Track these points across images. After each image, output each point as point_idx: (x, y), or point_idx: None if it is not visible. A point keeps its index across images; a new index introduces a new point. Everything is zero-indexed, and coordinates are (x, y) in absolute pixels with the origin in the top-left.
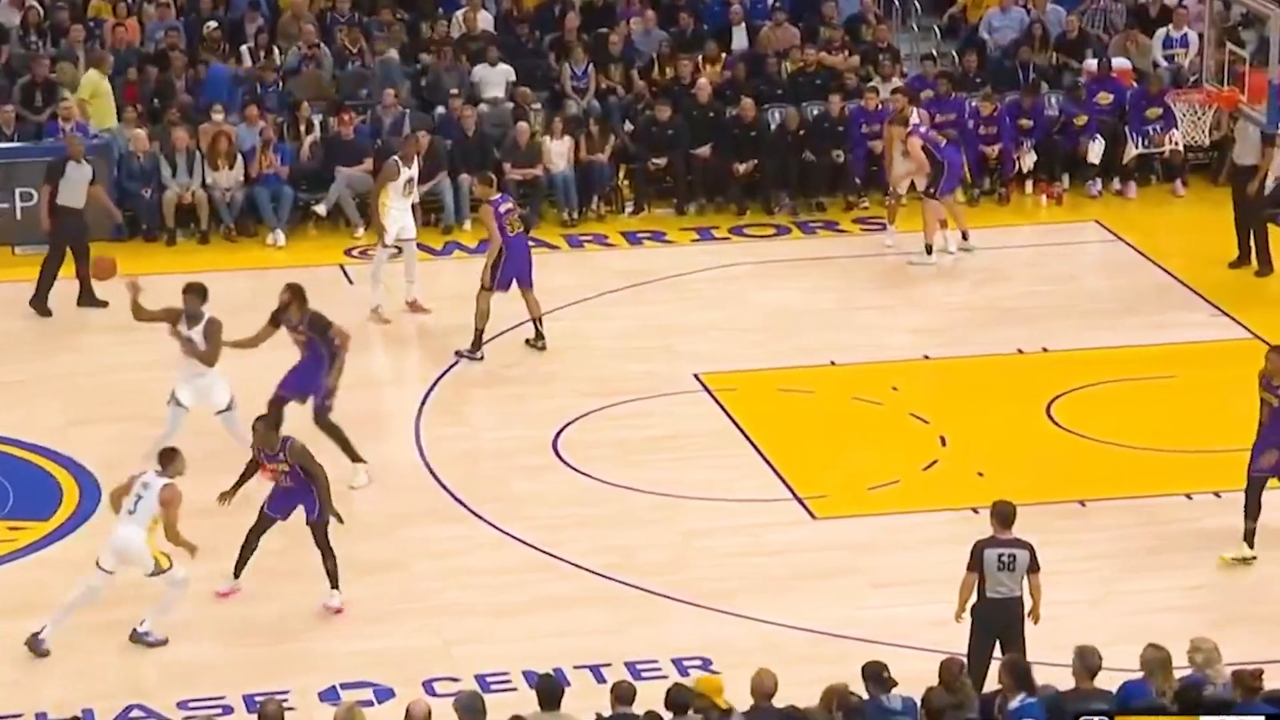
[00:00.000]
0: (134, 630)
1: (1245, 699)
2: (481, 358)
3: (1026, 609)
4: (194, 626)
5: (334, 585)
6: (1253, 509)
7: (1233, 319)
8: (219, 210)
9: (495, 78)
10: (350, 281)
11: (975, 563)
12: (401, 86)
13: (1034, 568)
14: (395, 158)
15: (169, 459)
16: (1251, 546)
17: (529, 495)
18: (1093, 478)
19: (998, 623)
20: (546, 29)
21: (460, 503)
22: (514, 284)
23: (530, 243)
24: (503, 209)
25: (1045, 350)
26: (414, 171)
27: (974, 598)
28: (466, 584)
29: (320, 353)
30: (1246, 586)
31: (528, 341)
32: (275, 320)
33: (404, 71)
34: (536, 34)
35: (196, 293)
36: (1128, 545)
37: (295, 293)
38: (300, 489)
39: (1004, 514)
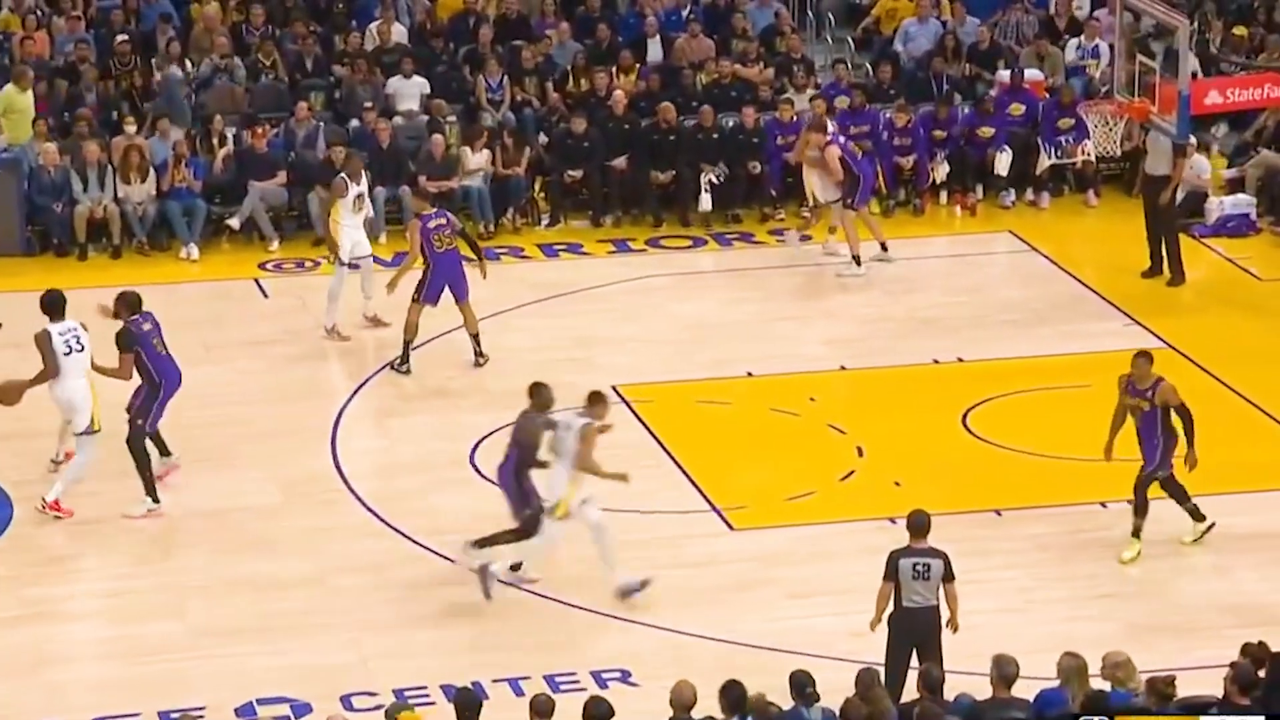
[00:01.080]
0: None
1: (1159, 706)
2: (409, 371)
3: (945, 618)
4: (106, 642)
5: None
6: (1142, 507)
7: (1146, 328)
8: (131, 224)
9: (410, 90)
10: (265, 295)
11: (890, 572)
12: (315, 99)
13: (949, 577)
14: (342, 175)
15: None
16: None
17: (447, 509)
18: (1009, 487)
19: (914, 632)
20: (461, 41)
21: (378, 516)
22: (444, 298)
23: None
24: (431, 225)
25: (961, 360)
26: (362, 187)
27: (890, 607)
28: (384, 598)
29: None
30: (1160, 594)
31: (476, 360)
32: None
33: (317, 84)
34: (451, 46)
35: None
36: (1044, 554)
37: (123, 301)
38: None
39: (918, 523)
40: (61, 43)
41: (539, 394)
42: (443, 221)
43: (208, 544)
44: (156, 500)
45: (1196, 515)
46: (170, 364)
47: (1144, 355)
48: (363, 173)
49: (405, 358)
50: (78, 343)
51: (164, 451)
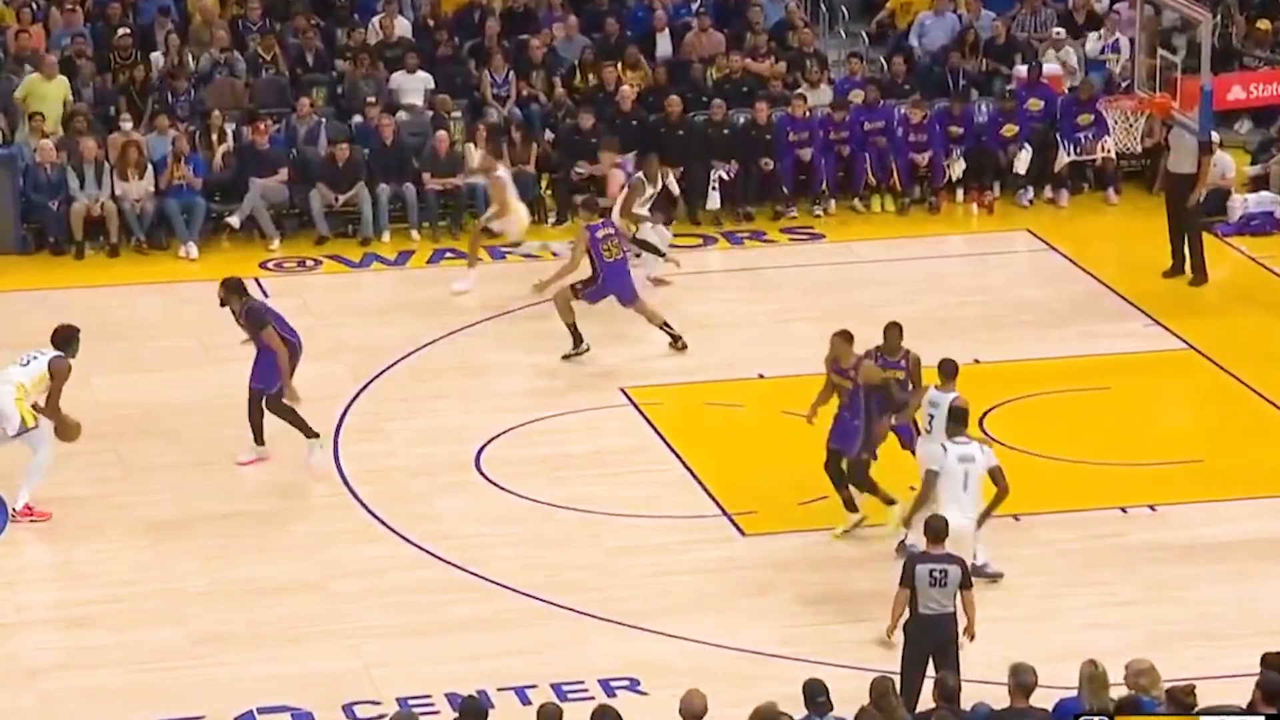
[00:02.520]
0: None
1: (1179, 715)
2: (586, 349)
3: (962, 626)
4: (103, 650)
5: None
6: (868, 485)
7: (1167, 329)
8: (129, 222)
9: (414, 85)
10: (266, 295)
11: (907, 578)
12: (317, 94)
13: (966, 584)
14: (639, 175)
15: (65, 339)
16: (856, 511)
17: (451, 513)
18: (1027, 492)
19: (930, 640)
20: (466, 35)
21: (380, 521)
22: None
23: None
24: (599, 234)
25: (977, 362)
26: (657, 188)
27: (906, 614)
28: (387, 604)
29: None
30: (1182, 601)
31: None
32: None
33: (319, 79)
34: (455, 40)
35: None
36: (1063, 560)
37: (229, 287)
38: None
39: (936, 529)
40: (58, 36)
41: (889, 336)
42: (610, 231)
43: (207, 549)
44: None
45: (850, 506)
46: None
47: (842, 335)
48: (660, 177)
49: (577, 339)
50: (27, 359)
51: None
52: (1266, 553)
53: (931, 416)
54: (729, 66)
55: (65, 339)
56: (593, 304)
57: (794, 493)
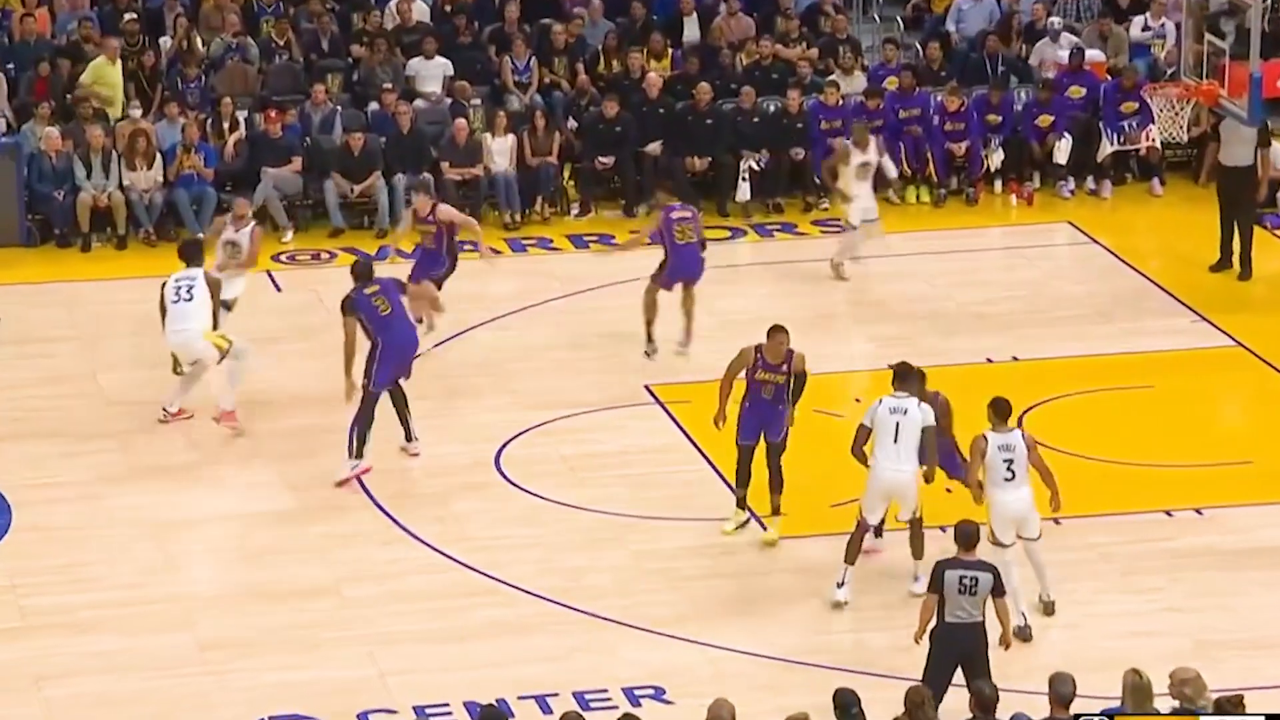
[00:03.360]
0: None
1: None
2: (654, 351)
3: (996, 635)
4: (111, 655)
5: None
6: (744, 477)
7: (1214, 325)
8: (137, 214)
9: (432, 72)
10: (278, 289)
11: (936, 584)
12: (332, 81)
13: (999, 591)
14: (846, 140)
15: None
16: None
17: (470, 515)
18: (1068, 493)
19: (956, 649)
20: (486, 20)
21: (396, 523)
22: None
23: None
24: (674, 215)
25: (1016, 359)
26: (868, 156)
27: (934, 621)
28: (403, 609)
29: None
30: (1230, 608)
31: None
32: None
33: (334, 65)
34: (475, 25)
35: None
36: (1106, 565)
37: (353, 272)
38: None
39: (967, 534)
40: (64, 21)
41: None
42: (687, 215)
43: (217, 552)
44: (360, 456)
45: (741, 504)
46: (392, 324)
47: (778, 329)
48: (870, 142)
49: (649, 337)
50: (188, 292)
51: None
52: None
53: (1009, 461)
54: (759, 52)
55: (191, 252)
56: (668, 290)
57: (826, 494)
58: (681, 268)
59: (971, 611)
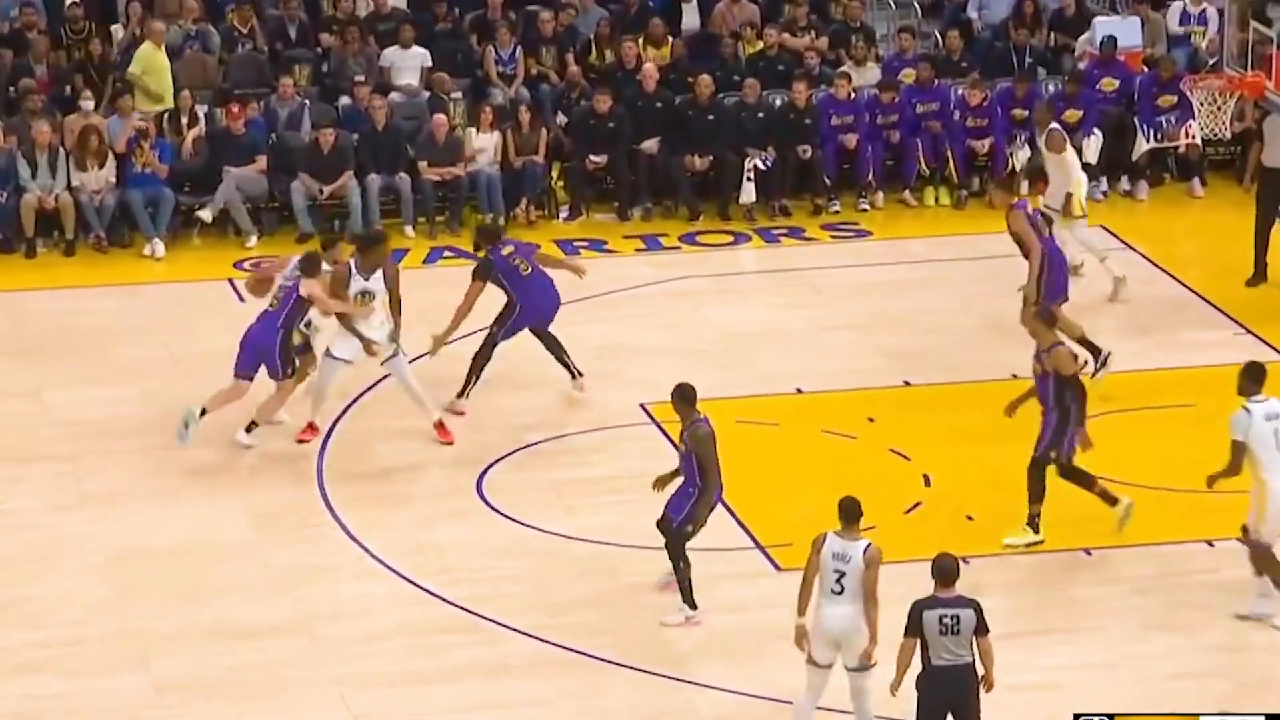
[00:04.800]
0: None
1: None
2: (1109, 353)
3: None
4: (58, 699)
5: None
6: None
7: (1259, 338)
8: (87, 216)
9: (408, 62)
10: (241, 299)
11: (914, 627)
12: (300, 73)
13: (982, 630)
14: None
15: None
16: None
17: (449, 545)
18: (1100, 522)
19: (945, 694)
20: (467, 6)
21: (370, 554)
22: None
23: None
24: (1029, 209)
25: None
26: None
27: (919, 666)
28: (377, 648)
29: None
30: (1275, 649)
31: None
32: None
33: (302, 56)
34: (456, 12)
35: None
36: (1142, 600)
37: (481, 234)
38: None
39: (945, 569)
40: (5, 7)
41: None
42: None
43: (175, 585)
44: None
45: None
46: (531, 285)
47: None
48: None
49: (1095, 351)
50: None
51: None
52: None
53: (840, 574)
54: (764, 41)
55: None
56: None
57: (835, 522)
58: (1063, 267)
59: (958, 653)
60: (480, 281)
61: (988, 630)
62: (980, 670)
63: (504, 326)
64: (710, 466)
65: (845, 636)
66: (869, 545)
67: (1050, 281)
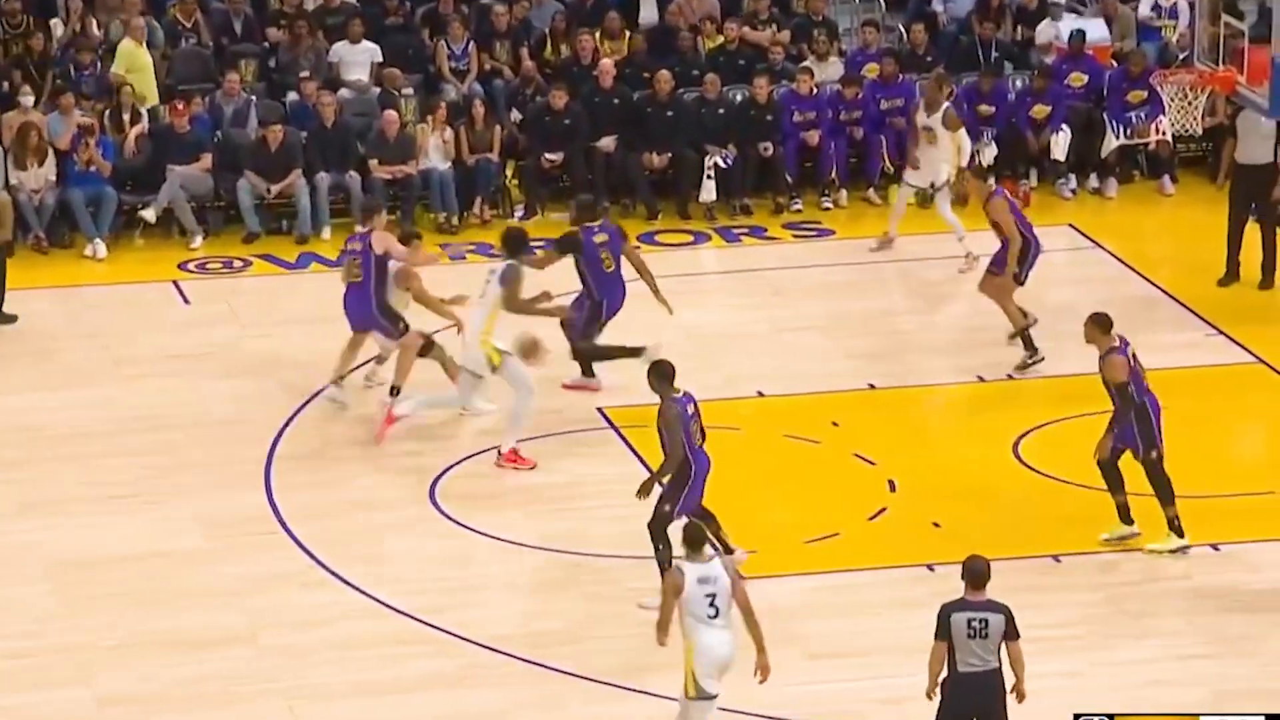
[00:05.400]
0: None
1: None
2: (1042, 359)
3: (1010, 684)
4: (4, 714)
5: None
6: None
7: (1232, 339)
8: (26, 216)
9: (358, 57)
10: (186, 301)
11: (943, 630)
12: (246, 68)
13: (1012, 635)
14: (919, 101)
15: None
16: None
17: (402, 555)
18: (1070, 527)
19: (971, 701)
20: (419, 0)
21: (320, 564)
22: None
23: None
24: (1008, 196)
25: (1011, 378)
26: (931, 121)
27: (944, 671)
28: (328, 660)
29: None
30: (1257, 653)
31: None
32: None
33: (248, 50)
34: (406, 5)
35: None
36: (1113, 608)
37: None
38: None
39: (976, 571)
40: None
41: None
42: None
43: (120, 596)
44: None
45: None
46: (614, 285)
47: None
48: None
49: (1029, 345)
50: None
51: (586, 371)
52: None
53: (711, 596)
54: (724, 36)
55: (515, 243)
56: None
57: (799, 530)
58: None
59: (985, 658)
60: (558, 254)
61: (1018, 635)
62: (1010, 677)
63: (578, 329)
64: (675, 446)
65: (733, 660)
66: (726, 560)
67: (1004, 261)
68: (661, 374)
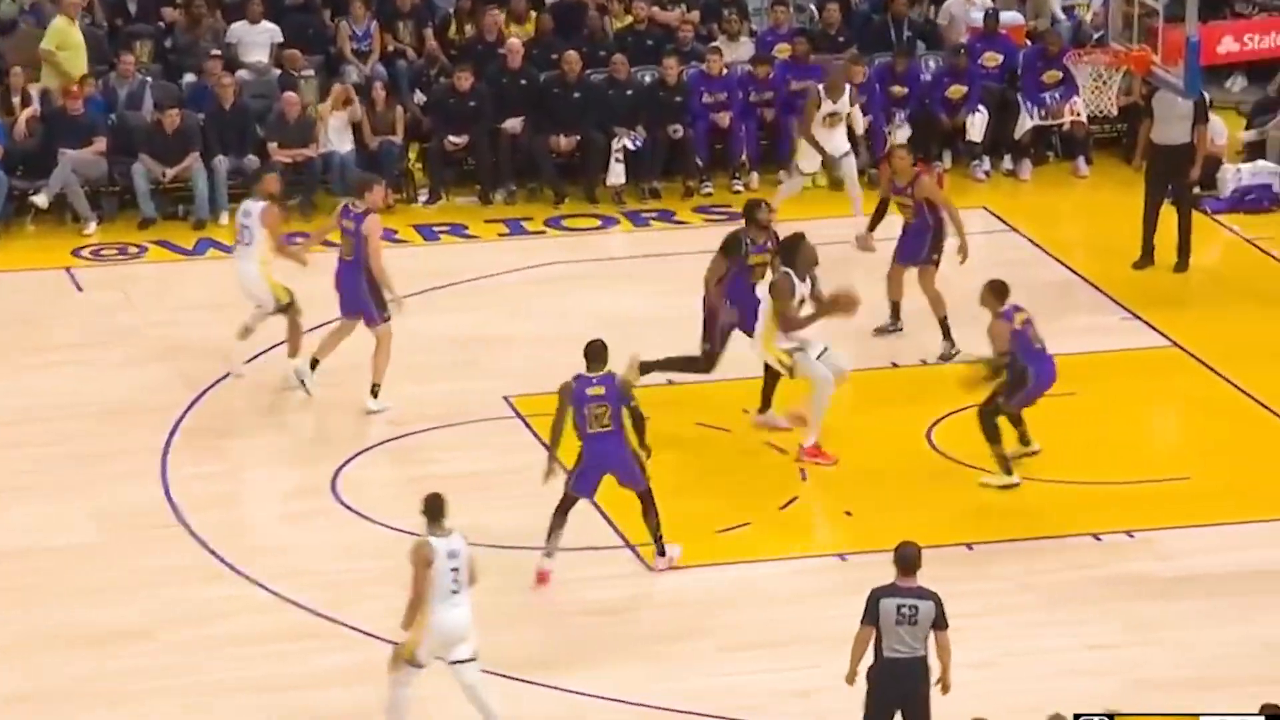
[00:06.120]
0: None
1: None
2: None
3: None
4: None
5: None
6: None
7: (1147, 323)
8: None
9: (257, 38)
10: (79, 288)
11: (870, 615)
12: (141, 49)
13: (941, 624)
14: (819, 87)
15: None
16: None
17: (303, 547)
18: (983, 516)
19: (896, 688)
20: None
21: (218, 557)
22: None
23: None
24: (938, 171)
25: (924, 363)
26: (839, 106)
27: (869, 658)
28: (229, 656)
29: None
30: (1170, 643)
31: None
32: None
33: (143, 31)
34: None
35: None
36: (1026, 597)
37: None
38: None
39: (907, 557)
40: None
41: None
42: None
43: (12, 591)
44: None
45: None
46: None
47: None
48: (845, 89)
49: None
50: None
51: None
52: (1265, 586)
53: (455, 570)
54: (633, 15)
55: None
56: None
57: (710, 519)
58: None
59: (913, 645)
60: (725, 258)
61: (947, 625)
62: (936, 666)
63: (714, 342)
64: (556, 421)
65: (465, 633)
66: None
67: (927, 244)
68: (593, 354)
